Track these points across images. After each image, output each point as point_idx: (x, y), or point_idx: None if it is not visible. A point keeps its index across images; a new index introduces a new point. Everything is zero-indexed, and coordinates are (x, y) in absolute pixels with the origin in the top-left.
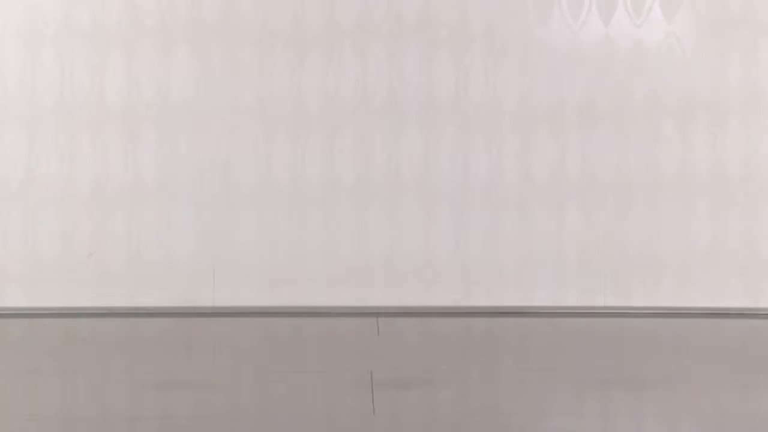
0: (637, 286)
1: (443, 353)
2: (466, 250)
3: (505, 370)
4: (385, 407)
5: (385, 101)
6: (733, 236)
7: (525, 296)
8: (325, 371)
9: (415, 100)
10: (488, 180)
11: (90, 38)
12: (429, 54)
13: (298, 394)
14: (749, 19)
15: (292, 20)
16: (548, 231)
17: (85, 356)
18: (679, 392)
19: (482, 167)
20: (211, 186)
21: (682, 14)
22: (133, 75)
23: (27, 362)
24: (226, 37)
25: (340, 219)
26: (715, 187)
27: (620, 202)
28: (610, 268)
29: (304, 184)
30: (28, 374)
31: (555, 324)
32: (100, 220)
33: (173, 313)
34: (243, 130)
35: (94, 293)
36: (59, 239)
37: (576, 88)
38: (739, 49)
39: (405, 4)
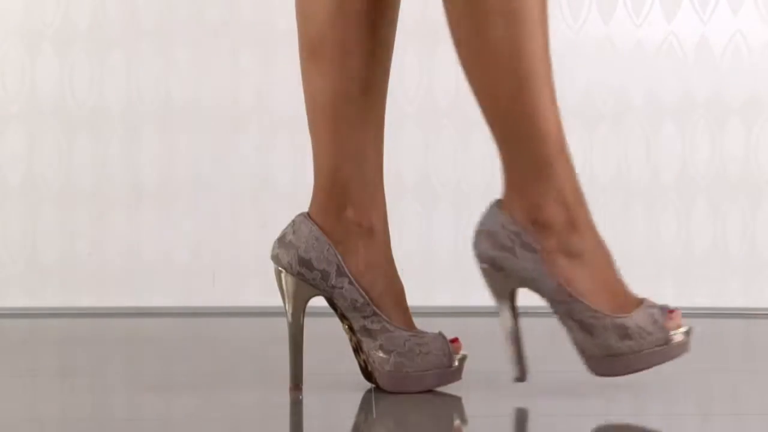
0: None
1: None
2: (467, 250)
3: (504, 369)
4: (386, 409)
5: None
6: (732, 236)
7: (525, 296)
8: (323, 373)
9: (415, 99)
10: (487, 180)
11: (90, 38)
12: (430, 52)
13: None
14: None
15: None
16: None
17: (85, 356)
18: None
19: (482, 167)
20: (211, 186)
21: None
22: (133, 75)
23: (27, 362)
24: (227, 37)
25: None
26: (715, 187)
27: (620, 201)
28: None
29: (304, 184)
30: (28, 374)
31: (554, 324)
32: (100, 220)
33: (173, 313)
34: (243, 130)
35: (94, 293)
36: (59, 239)
37: (576, 88)
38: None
39: (406, 5)
